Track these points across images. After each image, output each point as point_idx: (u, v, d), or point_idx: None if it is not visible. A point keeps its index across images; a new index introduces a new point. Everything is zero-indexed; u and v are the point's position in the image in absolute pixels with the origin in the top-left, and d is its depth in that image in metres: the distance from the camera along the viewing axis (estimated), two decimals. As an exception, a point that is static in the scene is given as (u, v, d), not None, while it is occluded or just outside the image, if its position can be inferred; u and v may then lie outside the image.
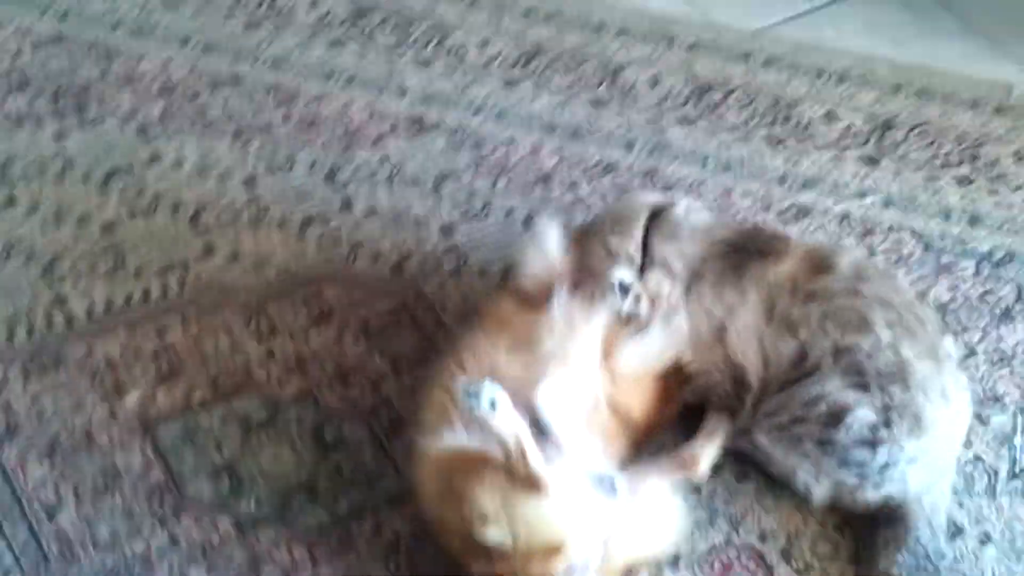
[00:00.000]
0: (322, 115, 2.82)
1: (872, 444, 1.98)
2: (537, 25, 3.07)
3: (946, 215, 2.61)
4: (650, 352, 2.10)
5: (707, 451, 2.08)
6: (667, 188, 2.65)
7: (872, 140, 2.78)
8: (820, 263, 2.13)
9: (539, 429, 1.89)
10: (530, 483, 1.79)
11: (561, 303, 2.07)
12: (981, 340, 2.37)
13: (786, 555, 2.07)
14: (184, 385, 2.28)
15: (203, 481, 2.15)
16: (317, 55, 2.98)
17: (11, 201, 2.60)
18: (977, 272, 2.49)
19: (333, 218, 2.59)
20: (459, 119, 2.82)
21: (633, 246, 2.18)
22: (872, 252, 2.53)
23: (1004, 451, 2.21)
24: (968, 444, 2.18)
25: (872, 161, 2.73)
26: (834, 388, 2.00)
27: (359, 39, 3.02)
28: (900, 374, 1.99)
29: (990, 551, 2.08)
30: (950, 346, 2.28)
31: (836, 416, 1.99)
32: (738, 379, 2.10)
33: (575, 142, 2.77)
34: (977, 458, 2.19)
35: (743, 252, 2.16)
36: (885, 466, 1.98)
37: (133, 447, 2.19)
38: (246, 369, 2.31)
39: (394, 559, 2.06)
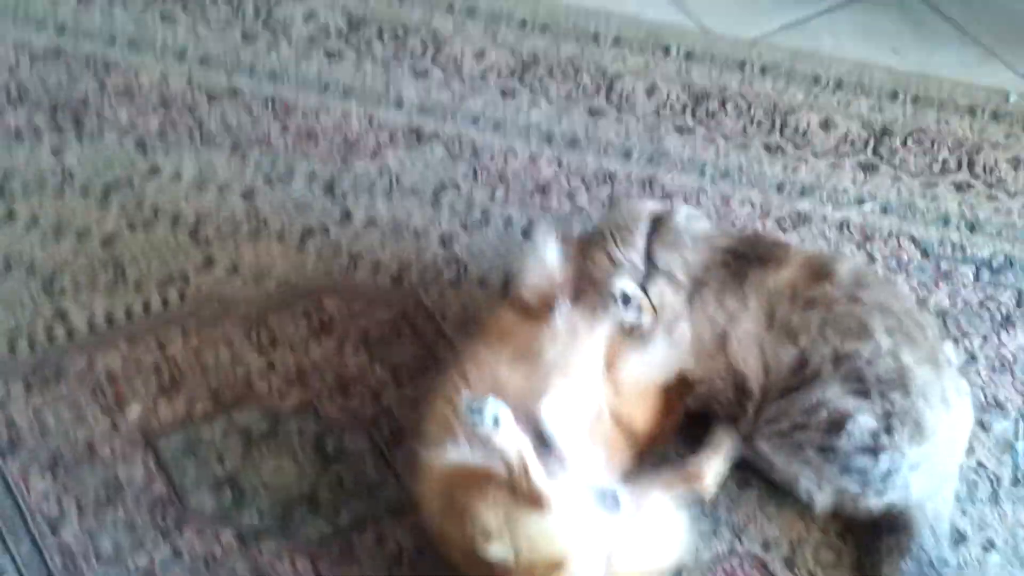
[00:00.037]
0: (320, 127, 2.82)
1: (874, 451, 1.98)
2: (533, 35, 3.08)
3: (945, 221, 2.62)
4: (653, 363, 2.10)
5: (713, 465, 2.07)
6: (666, 196, 2.65)
7: (870, 147, 2.79)
8: (820, 270, 2.13)
9: (542, 442, 1.89)
10: (533, 499, 1.78)
11: (563, 314, 2.07)
12: (982, 346, 2.38)
13: (789, 563, 2.07)
14: (185, 397, 2.28)
15: (205, 493, 2.15)
16: (314, 67, 2.98)
17: (11, 215, 2.60)
18: (977, 278, 2.50)
19: (332, 229, 2.59)
20: (457, 129, 2.82)
21: (636, 255, 2.18)
22: (871, 259, 2.53)
23: (1007, 457, 2.21)
24: (970, 451, 2.18)
25: (870, 168, 2.74)
26: (834, 395, 2.01)
27: (356, 51, 3.02)
28: (900, 380, 2.00)
29: (994, 558, 2.08)
30: (950, 352, 2.29)
31: (837, 423, 1.99)
32: (740, 386, 2.10)
33: (573, 151, 2.78)
34: (980, 465, 2.20)
35: (744, 260, 2.16)
36: (887, 473, 1.98)
37: (135, 460, 2.19)
38: (247, 381, 2.31)
39: (396, 570, 2.06)
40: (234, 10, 3.12)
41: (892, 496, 2.00)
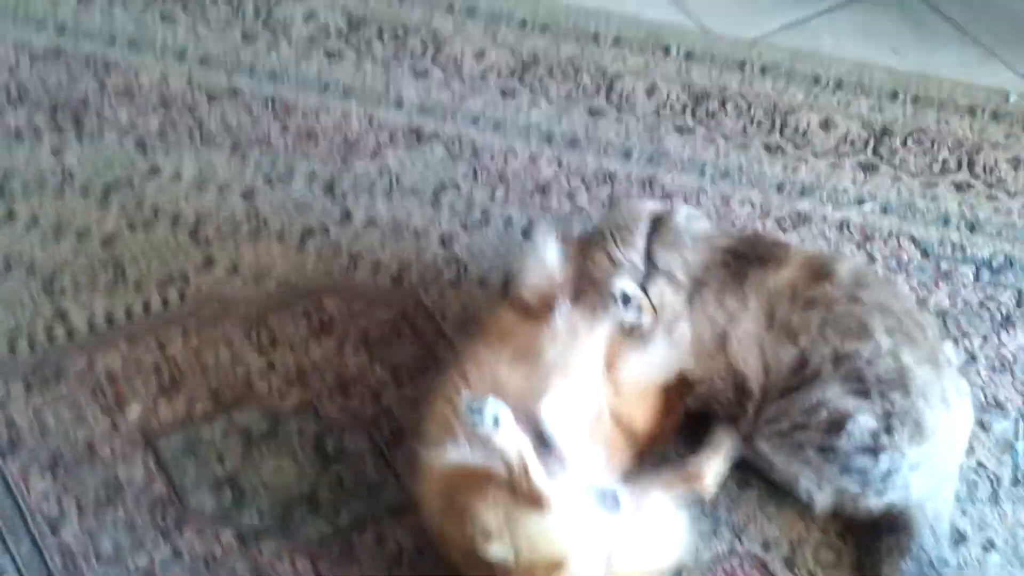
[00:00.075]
0: (320, 127, 2.82)
1: (873, 451, 1.98)
2: (533, 35, 3.08)
3: (945, 221, 2.62)
4: (653, 363, 2.10)
5: (713, 465, 2.06)
6: (666, 196, 2.65)
7: (870, 147, 2.79)
8: (819, 270, 2.13)
9: (542, 442, 1.89)
10: (533, 499, 1.78)
11: (563, 314, 2.07)
12: (982, 346, 2.38)
13: (789, 563, 2.07)
14: (185, 397, 2.28)
15: (205, 493, 2.15)
16: (314, 67, 2.98)
17: (11, 215, 2.60)
18: (977, 278, 2.50)
19: (332, 229, 2.59)
20: (457, 129, 2.82)
21: (636, 255, 2.18)
22: (871, 259, 2.53)
23: (1007, 457, 2.21)
24: (970, 451, 2.18)
25: (870, 168, 2.74)
26: (834, 395, 2.01)
27: (356, 51, 3.03)
28: (900, 380, 2.00)
29: (994, 558, 2.08)
30: (950, 352, 2.29)
31: (837, 423, 1.99)
32: (740, 386, 2.10)
33: (573, 151, 2.78)
34: (980, 465, 2.20)
35: (744, 259, 2.16)
36: (887, 473, 1.98)
37: (135, 460, 2.19)
38: (247, 381, 2.31)
39: (396, 570, 2.06)
40: (234, 10, 3.12)
41: (892, 496, 2.00)
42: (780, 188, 2.69)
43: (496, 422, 1.76)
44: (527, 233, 2.58)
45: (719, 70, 2.98)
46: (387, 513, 2.12)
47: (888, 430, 1.97)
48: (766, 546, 2.09)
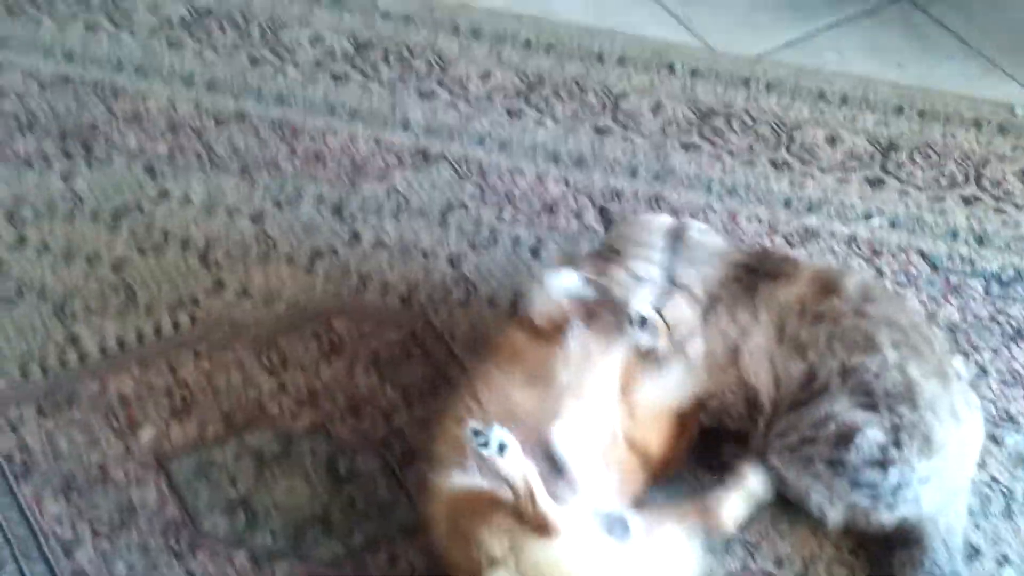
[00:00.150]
0: (328, 149, 2.83)
1: (883, 464, 1.97)
2: (538, 55, 3.09)
3: (953, 235, 2.62)
4: (670, 387, 2.09)
5: (732, 503, 2.01)
6: (673, 213, 2.64)
7: (876, 162, 2.79)
8: (828, 284, 2.14)
9: (553, 465, 1.89)
10: (539, 525, 1.77)
11: (576, 335, 2.07)
12: (993, 360, 2.37)
13: (802, 580, 2.07)
14: (197, 420, 2.28)
15: (218, 515, 2.15)
16: (321, 90, 3.00)
17: (22, 241, 2.61)
18: (986, 292, 2.50)
19: (341, 251, 2.60)
20: (464, 150, 2.83)
21: (656, 270, 2.18)
22: (880, 274, 2.53)
23: (1020, 472, 2.21)
24: (983, 465, 2.18)
25: (877, 183, 2.75)
26: (842, 408, 2.00)
27: (362, 73, 3.04)
28: (908, 394, 1.99)
29: (1008, 573, 2.08)
30: (959, 366, 2.28)
31: (845, 436, 1.99)
32: (751, 401, 2.10)
33: (580, 170, 2.78)
34: (993, 479, 2.19)
35: (755, 274, 2.16)
36: (897, 487, 1.98)
37: (148, 483, 2.19)
38: (258, 403, 2.31)
39: (409, 590, 2.06)
40: (240, 35, 3.15)
41: (903, 510, 2.00)
42: (787, 204, 2.70)
43: (501, 448, 1.75)
44: (535, 252, 2.59)
45: (724, 87, 2.99)
46: (399, 533, 2.11)
47: (897, 443, 1.97)
48: (779, 563, 2.09)
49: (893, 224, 2.65)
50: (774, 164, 2.79)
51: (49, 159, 2.80)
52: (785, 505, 2.11)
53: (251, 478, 2.20)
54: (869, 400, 1.99)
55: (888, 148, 2.82)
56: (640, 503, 2.00)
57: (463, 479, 1.89)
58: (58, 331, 2.43)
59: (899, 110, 2.91)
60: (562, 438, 1.93)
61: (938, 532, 2.01)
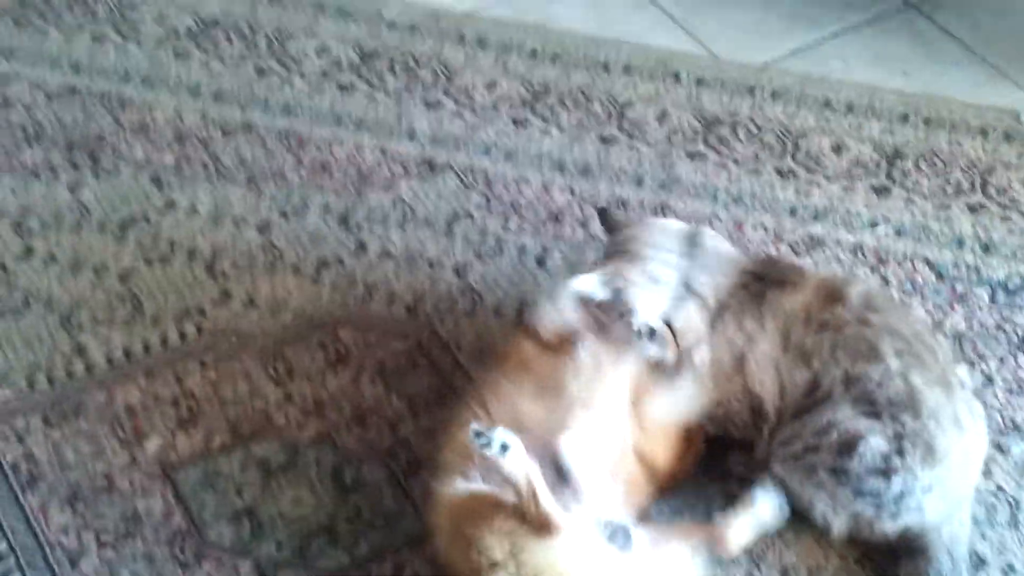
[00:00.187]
0: (334, 159, 2.84)
1: (885, 473, 1.97)
2: (544, 65, 3.10)
3: (959, 243, 2.62)
4: (681, 401, 2.09)
5: (740, 529, 2.02)
6: (679, 223, 2.66)
7: (882, 170, 2.79)
8: (832, 293, 2.13)
9: (560, 475, 1.89)
10: (541, 525, 1.78)
11: (587, 347, 2.06)
12: (999, 368, 2.37)
13: (808, 589, 2.07)
14: (203, 430, 2.29)
15: (224, 525, 2.15)
16: (327, 100, 3.00)
17: (29, 252, 2.62)
18: (992, 300, 2.50)
19: (347, 261, 2.60)
20: (469, 159, 2.84)
21: (674, 275, 2.17)
22: (886, 282, 2.53)
23: (1025, 480, 2.21)
24: (989, 474, 2.18)
25: (883, 191, 2.74)
26: (845, 416, 2.00)
27: (368, 83, 3.05)
28: (910, 402, 1.99)
29: (1014, 580, 2.07)
30: (963, 375, 2.27)
31: (848, 445, 1.98)
32: (756, 409, 2.10)
33: (585, 179, 2.79)
34: (999, 488, 2.19)
35: (763, 282, 2.16)
36: (900, 495, 1.97)
37: (154, 493, 2.20)
38: (264, 413, 2.32)
39: (415, 600, 2.06)
40: (247, 45, 3.16)
41: (907, 519, 1.99)
42: (793, 212, 2.70)
43: (504, 448, 1.76)
44: (541, 261, 2.59)
45: (730, 96, 2.99)
46: (405, 543, 2.12)
47: (900, 452, 1.96)
48: (784, 573, 2.08)
49: (899, 232, 2.65)
50: (780, 172, 2.79)
51: (56, 170, 2.81)
52: (791, 515, 2.11)
53: (257, 488, 2.20)
54: (872, 408, 1.99)
55: (894, 156, 2.82)
56: (646, 514, 2.00)
57: (466, 484, 1.90)
58: (65, 341, 2.44)
59: (904, 118, 2.91)
60: (569, 448, 1.93)
61: (942, 542, 2.00)
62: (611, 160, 2.83)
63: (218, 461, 2.24)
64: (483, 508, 1.84)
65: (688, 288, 2.16)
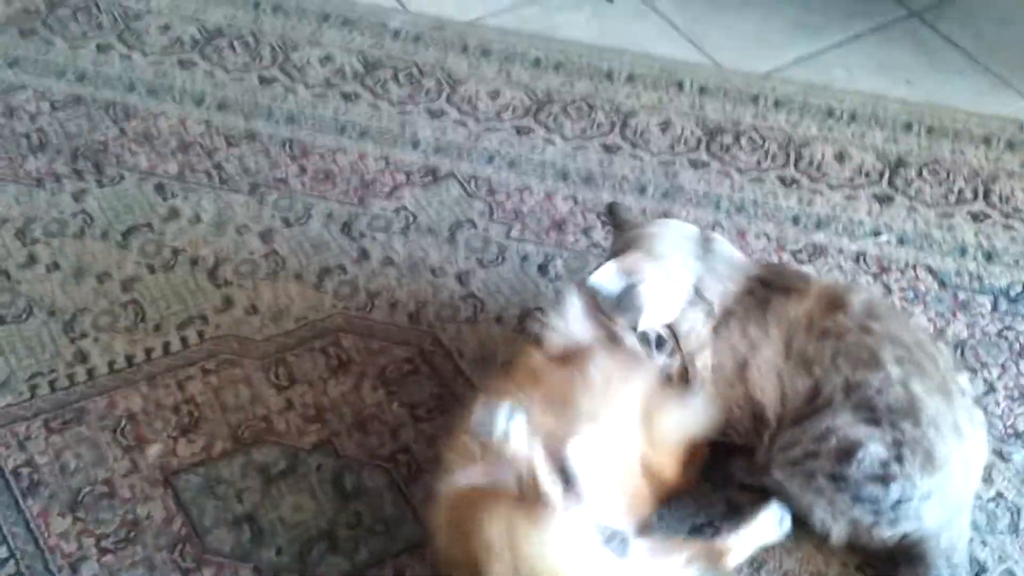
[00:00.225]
0: (337, 168, 2.85)
1: (884, 480, 1.96)
2: (547, 74, 3.11)
3: (961, 251, 2.62)
4: (692, 416, 2.09)
5: (742, 546, 2.03)
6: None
7: (885, 178, 2.79)
8: (834, 301, 2.13)
9: (565, 479, 1.88)
10: (539, 506, 1.78)
11: (599, 361, 2.06)
12: (1000, 376, 2.37)
13: (808, 597, 2.06)
14: (204, 436, 2.29)
15: (224, 531, 2.15)
16: (330, 109, 3.01)
17: (32, 259, 2.63)
18: (994, 308, 2.49)
19: (350, 268, 2.61)
20: (472, 168, 2.84)
21: (690, 276, 2.16)
22: (888, 290, 2.53)
23: (1026, 487, 2.20)
24: (990, 481, 2.18)
25: (885, 199, 2.74)
26: (844, 423, 1.99)
27: (371, 92, 3.06)
28: (910, 410, 1.98)
29: (1015, 588, 2.07)
30: (964, 383, 2.26)
31: (847, 451, 1.98)
32: (758, 416, 2.10)
33: (588, 188, 2.79)
34: (999, 495, 2.18)
35: (769, 288, 2.15)
36: (898, 502, 1.97)
37: (155, 499, 2.20)
38: (266, 419, 2.32)
39: (414, 606, 2.06)
40: (251, 55, 3.17)
41: (905, 526, 1.98)
42: (796, 221, 2.70)
43: (509, 426, 1.77)
44: (544, 269, 2.59)
45: (733, 104, 3.00)
46: (405, 550, 2.11)
47: (898, 459, 1.95)
48: (786, 579, 2.08)
49: (901, 241, 2.65)
50: (783, 181, 2.79)
51: (60, 178, 2.82)
52: (791, 521, 2.10)
53: (258, 494, 2.20)
54: (872, 416, 1.98)
55: (897, 165, 2.82)
56: (647, 525, 2.00)
57: (464, 479, 1.90)
58: (67, 348, 2.45)
59: (908, 127, 2.92)
60: (575, 454, 1.92)
61: (940, 549, 2.00)
62: (614, 169, 2.84)
63: (219, 467, 2.24)
64: (481, 500, 1.85)
65: (698, 293, 2.16)
